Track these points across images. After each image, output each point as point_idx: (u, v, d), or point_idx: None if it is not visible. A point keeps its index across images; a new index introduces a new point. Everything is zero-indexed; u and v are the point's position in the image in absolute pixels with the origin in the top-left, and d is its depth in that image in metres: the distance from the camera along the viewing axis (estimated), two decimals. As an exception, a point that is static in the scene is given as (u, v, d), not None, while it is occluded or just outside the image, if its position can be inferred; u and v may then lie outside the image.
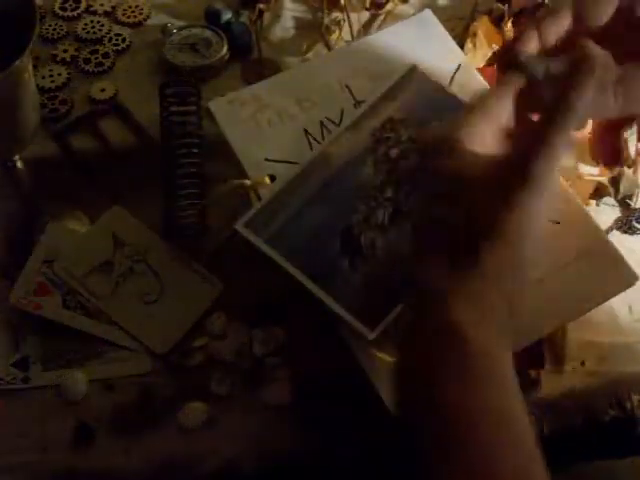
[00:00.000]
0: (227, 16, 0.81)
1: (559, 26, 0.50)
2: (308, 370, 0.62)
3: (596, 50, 0.46)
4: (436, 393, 0.42)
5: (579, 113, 0.45)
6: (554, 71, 0.48)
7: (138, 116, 0.75)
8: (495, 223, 0.42)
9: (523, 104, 0.48)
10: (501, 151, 0.46)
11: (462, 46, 0.75)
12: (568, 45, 0.50)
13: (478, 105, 0.47)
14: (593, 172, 0.72)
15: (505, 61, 0.50)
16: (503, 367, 0.43)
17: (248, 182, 0.63)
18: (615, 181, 0.70)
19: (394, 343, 0.51)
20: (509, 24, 0.76)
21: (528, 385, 0.61)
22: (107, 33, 0.82)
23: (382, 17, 0.82)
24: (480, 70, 0.71)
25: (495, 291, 0.43)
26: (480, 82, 0.69)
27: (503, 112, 0.47)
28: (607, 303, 0.60)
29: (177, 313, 0.64)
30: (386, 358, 0.56)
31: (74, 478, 0.58)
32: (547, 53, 0.50)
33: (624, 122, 0.55)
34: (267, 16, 0.82)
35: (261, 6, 0.81)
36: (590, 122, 0.71)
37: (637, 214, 0.69)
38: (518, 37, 0.50)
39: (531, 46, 0.50)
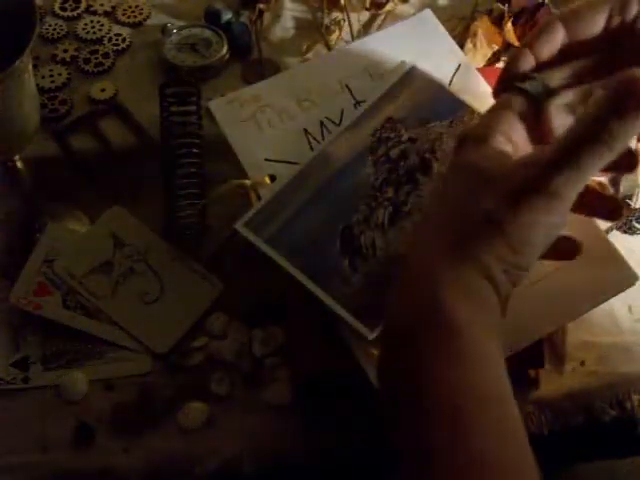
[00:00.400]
0: (227, 16, 0.81)
1: (553, 41, 0.49)
2: (308, 370, 0.62)
3: None
4: (419, 373, 0.42)
5: (617, 151, 0.41)
6: (553, 85, 0.48)
7: (138, 116, 0.75)
8: (500, 224, 0.42)
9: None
10: (531, 156, 0.45)
11: (462, 46, 0.76)
12: (563, 58, 0.50)
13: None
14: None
15: (503, 87, 0.50)
16: (490, 351, 0.43)
17: (248, 182, 0.63)
18: (615, 181, 0.70)
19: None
20: (509, 24, 0.76)
21: (528, 385, 0.61)
22: (107, 33, 0.82)
23: (382, 17, 0.82)
24: (480, 70, 0.71)
25: (487, 286, 0.43)
26: (480, 82, 0.69)
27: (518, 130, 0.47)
28: (607, 303, 0.60)
29: (177, 313, 0.64)
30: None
31: (74, 478, 0.58)
32: (542, 68, 0.50)
33: None
34: (267, 16, 0.82)
35: (261, 6, 0.81)
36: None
37: (637, 214, 0.69)
38: (511, 59, 0.50)
39: (526, 66, 0.49)
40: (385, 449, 0.54)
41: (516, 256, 0.43)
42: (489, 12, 0.79)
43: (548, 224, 0.43)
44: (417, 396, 0.41)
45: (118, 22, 0.83)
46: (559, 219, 0.43)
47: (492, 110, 0.48)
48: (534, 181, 0.42)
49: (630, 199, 0.70)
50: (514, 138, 0.46)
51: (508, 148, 0.45)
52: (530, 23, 0.77)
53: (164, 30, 0.80)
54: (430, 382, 0.41)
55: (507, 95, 0.48)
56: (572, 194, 0.42)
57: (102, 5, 0.84)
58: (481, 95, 0.68)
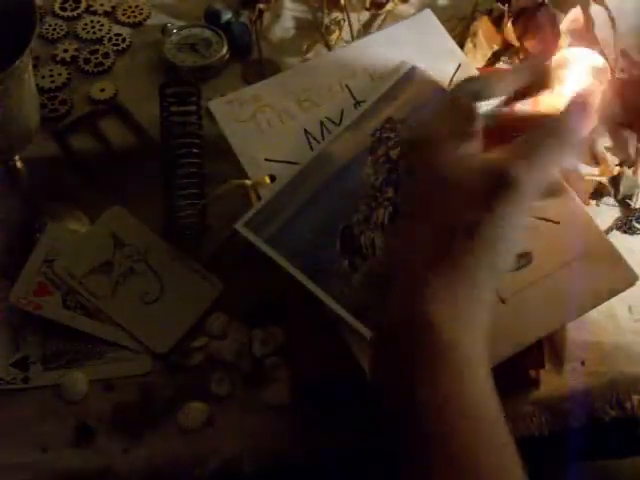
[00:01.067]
0: (227, 16, 0.81)
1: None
2: (308, 370, 0.62)
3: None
4: (407, 389, 0.42)
5: (571, 149, 0.46)
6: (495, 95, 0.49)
7: (138, 116, 0.75)
8: (476, 225, 0.43)
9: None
10: (490, 154, 0.46)
11: (462, 46, 0.75)
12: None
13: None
14: (593, 172, 0.72)
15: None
16: (479, 366, 0.43)
17: (248, 182, 0.63)
18: (615, 181, 0.70)
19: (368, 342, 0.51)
20: (509, 24, 0.76)
21: (528, 385, 0.61)
22: (107, 33, 0.82)
23: (382, 17, 0.82)
24: (480, 70, 0.71)
25: (471, 291, 0.43)
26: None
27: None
28: (607, 303, 0.60)
29: (177, 313, 0.64)
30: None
31: (74, 478, 0.58)
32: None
33: None
34: (267, 16, 0.82)
35: (261, 6, 0.81)
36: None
37: (637, 214, 0.69)
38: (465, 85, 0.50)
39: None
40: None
41: (495, 256, 0.43)
42: (489, 12, 0.79)
43: (518, 214, 0.44)
44: (411, 417, 0.41)
45: (118, 22, 0.83)
46: (525, 213, 0.44)
47: (443, 112, 0.48)
48: (500, 175, 0.43)
49: (630, 199, 0.70)
50: (464, 138, 0.47)
51: (462, 149, 0.46)
52: (530, 23, 0.77)
53: (164, 30, 0.80)
54: (423, 402, 0.41)
55: (455, 97, 0.49)
56: (536, 185, 0.44)
57: (102, 5, 0.84)
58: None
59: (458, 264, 0.43)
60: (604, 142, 0.74)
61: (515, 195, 0.43)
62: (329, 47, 0.79)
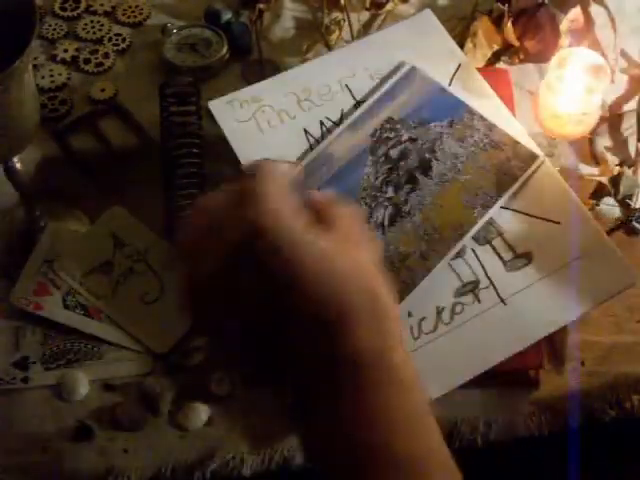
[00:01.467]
0: (227, 16, 0.81)
1: None
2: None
3: None
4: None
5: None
6: None
7: (138, 116, 0.75)
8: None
9: None
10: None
11: (462, 46, 0.75)
12: None
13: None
14: (593, 172, 0.72)
15: None
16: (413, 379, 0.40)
17: (248, 182, 0.63)
18: (615, 181, 0.70)
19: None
20: (509, 24, 0.76)
21: (528, 385, 0.61)
22: (107, 33, 0.82)
23: (382, 17, 0.82)
24: (480, 70, 0.71)
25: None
26: (480, 82, 0.69)
27: None
28: (607, 303, 0.60)
29: (177, 313, 0.64)
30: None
31: (74, 478, 0.58)
32: None
33: None
34: (267, 16, 0.82)
35: (261, 6, 0.81)
36: (590, 124, 0.71)
37: (637, 214, 0.69)
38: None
39: None
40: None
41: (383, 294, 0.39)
42: (489, 12, 0.79)
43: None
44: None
45: (118, 22, 0.83)
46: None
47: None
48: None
49: (630, 199, 0.70)
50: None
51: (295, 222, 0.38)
52: (530, 23, 0.77)
53: (164, 30, 0.80)
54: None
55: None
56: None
57: (102, 5, 0.84)
58: (481, 95, 0.68)
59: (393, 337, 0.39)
60: (604, 142, 0.74)
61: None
62: (329, 47, 0.79)
